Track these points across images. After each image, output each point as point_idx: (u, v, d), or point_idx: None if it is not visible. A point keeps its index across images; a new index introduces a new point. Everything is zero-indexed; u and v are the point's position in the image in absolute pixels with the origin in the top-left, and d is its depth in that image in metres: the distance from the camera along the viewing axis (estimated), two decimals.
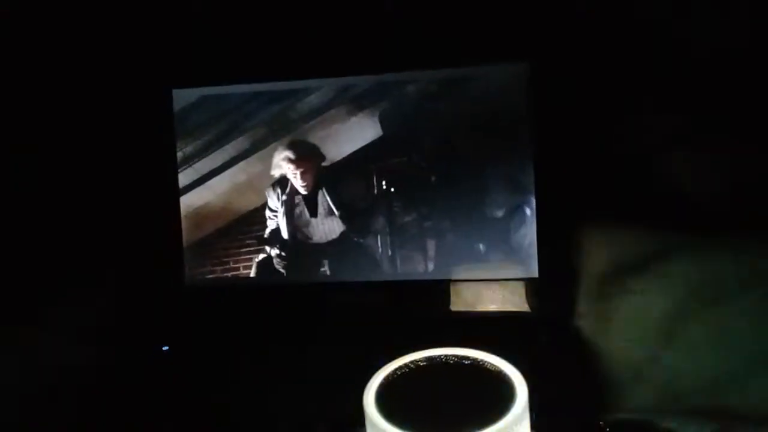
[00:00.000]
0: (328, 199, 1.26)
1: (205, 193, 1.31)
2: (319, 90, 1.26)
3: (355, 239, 1.25)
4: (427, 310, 1.23)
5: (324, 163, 1.28)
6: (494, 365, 0.81)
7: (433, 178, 1.21)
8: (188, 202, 1.31)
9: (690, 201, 1.06)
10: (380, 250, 1.23)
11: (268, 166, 1.30)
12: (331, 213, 1.27)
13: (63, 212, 1.22)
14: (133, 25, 1.22)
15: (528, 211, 1.16)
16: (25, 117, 1.18)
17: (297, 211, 1.28)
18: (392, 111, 1.21)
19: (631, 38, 1.06)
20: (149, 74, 1.26)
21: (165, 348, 1.25)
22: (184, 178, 1.31)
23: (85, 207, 1.24)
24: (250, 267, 1.28)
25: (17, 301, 1.13)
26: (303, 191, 1.29)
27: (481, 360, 0.82)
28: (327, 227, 1.27)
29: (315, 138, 1.27)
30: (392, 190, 1.22)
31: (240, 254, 1.29)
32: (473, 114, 1.17)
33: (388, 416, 0.73)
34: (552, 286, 1.15)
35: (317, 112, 1.27)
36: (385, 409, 0.75)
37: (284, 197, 1.29)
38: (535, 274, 1.17)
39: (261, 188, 1.30)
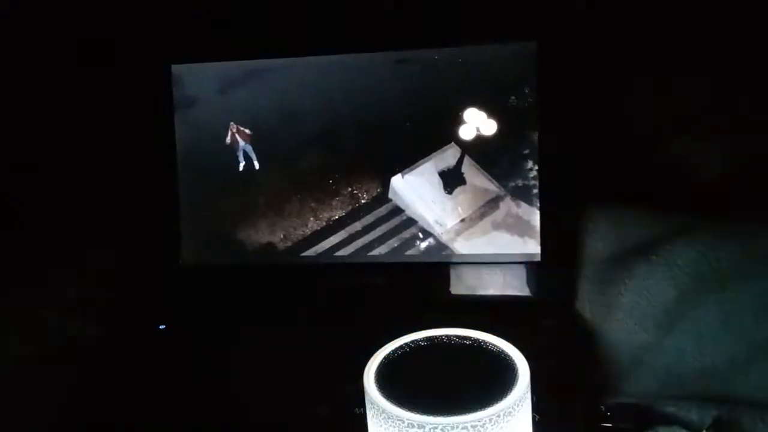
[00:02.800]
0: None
1: None
2: None
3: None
4: (427, 293, 1.22)
5: None
6: (496, 346, 0.80)
7: None
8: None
9: (695, 185, 1.05)
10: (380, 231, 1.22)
11: None
12: None
13: (63, 190, 1.21)
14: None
15: (531, 193, 1.15)
16: (25, 99, 1.17)
17: None
18: (396, 88, 1.19)
19: (638, 18, 1.04)
20: (146, 49, 1.24)
21: (161, 327, 1.25)
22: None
23: (83, 186, 1.23)
24: (248, 246, 1.27)
25: (19, 278, 1.13)
26: None
27: (483, 340, 0.81)
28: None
29: None
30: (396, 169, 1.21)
31: (238, 233, 1.27)
32: (478, 92, 1.15)
33: (388, 395, 0.72)
34: (554, 270, 1.14)
35: None
36: (386, 388, 0.74)
37: None
38: (538, 257, 1.15)
39: None
